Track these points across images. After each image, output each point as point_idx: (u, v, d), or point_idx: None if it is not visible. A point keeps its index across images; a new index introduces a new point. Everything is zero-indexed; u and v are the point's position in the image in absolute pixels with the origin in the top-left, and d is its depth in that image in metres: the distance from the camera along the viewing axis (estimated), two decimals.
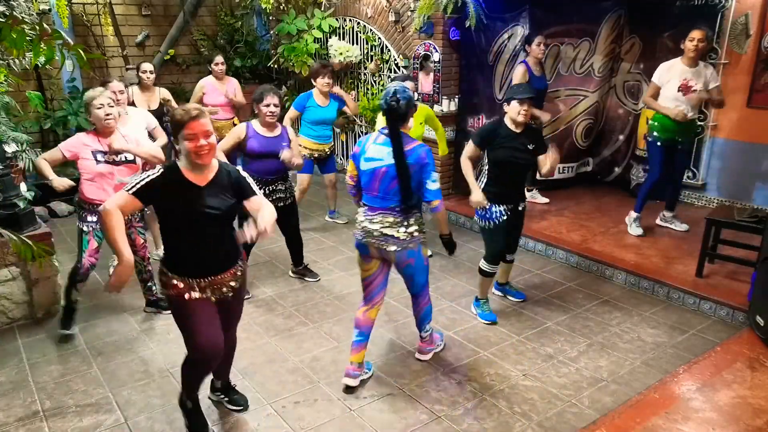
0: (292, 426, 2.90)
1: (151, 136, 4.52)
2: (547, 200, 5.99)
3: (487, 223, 3.77)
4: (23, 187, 4.20)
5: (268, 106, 3.99)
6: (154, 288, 4.04)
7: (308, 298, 4.29)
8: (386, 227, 3.02)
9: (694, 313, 4.04)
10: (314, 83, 5.22)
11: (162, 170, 2.45)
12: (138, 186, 2.40)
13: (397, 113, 2.94)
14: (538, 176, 4.80)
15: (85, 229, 3.66)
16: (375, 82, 6.63)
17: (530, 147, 3.68)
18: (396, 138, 2.93)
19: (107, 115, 3.53)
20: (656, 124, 4.81)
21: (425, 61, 5.85)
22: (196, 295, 2.54)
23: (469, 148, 3.75)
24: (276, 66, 7.27)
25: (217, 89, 6.04)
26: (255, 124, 4.11)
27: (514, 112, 3.60)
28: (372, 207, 3.07)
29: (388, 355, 3.53)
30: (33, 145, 5.44)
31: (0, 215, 3.82)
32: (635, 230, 5.08)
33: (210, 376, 2.94)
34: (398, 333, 3.80)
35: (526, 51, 5.42)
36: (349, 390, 3.16)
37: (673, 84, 4.66)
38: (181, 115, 2.39)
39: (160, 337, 3.76)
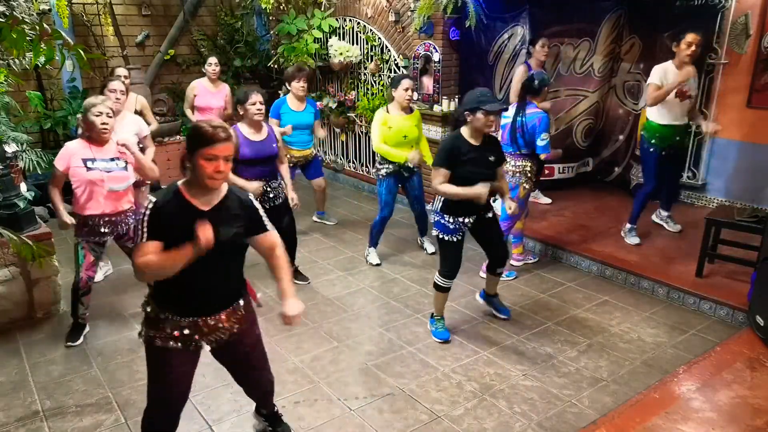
0: (292, 426, 2.90)
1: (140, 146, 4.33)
2: (549, 200, 5.99)
3: (449, 236, 3.49)
4: (23, 187, 4.20)
5: (254, 104, 3.87)
6: None
7: (308, 298, 4.29)
8: (508, 164, 4.20)
9: (694, 313, 4.04)
10: (289, 87, 5.06)
11: (154, 200, 2.15)
12: (145, 231, 2.11)
13: (531, 88, 4.18)
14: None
15: (80, 243, 3.60)
16: (375, 82, 6.63)
17: (491, 159, 3.45)
18: (521, 103, 4.21)
19: (103, 124, 3.42)
20: (653, 133, 4.68)
21: (428, 64, 5.84)
22: (177, 345, 2.23)
23: (438, 174, 3.37)
24: (276, 66, 7.27)
25: (209, 92, 5.84)
26: (242, 128, 3.92)
27: (479, 123, 3.29)
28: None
29: (388, 355, 3.53)
30: (33, 145, 5.44)
31: (0, 215, 3.83)
32: (632, 239, 4.93)
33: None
34: (398, 333, 3.80)
35: (529, 52, 5.43)
36: (512, 267, 4.69)
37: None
38: (210, 133, 2.09)
39: None
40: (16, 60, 4.14)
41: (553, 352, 3.56)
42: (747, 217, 4.17)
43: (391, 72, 6.34)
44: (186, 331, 2.24)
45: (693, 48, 4.47)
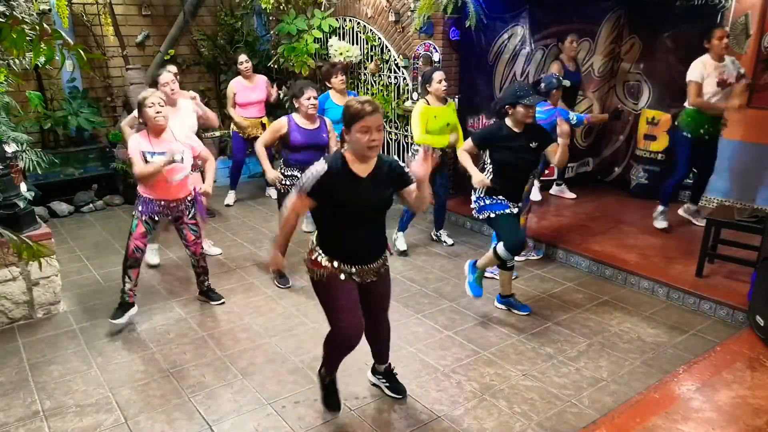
0: (292, 426, 2.90)
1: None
2: (574, 196, 6.10)
3: (500, 211, 3.73)
4: (23, 187, 4.20)
5: (309, 99, 4.21)
6: (206, 281, 4.19)
7: (308, 297, 4.28)
8: None
9: (694, 313, 4.04)
10: (329, 84, 5.32)
11: (328, 166, 2.50)
12: (311, 187, 2.50)
13: (539, 91, 4.42)
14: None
15: (136, 214, 3.78)
16: (375, 82, 6.63)
17: (533, 145, 3.70)
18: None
19: (158, 113, 3.61)
20: (689, 119, 4.83)
21: (428, 65, 5.85)
22: (342, 276, 2.65)
23: (468, 144, 3.84)
24: (276, 66, 7.27)
25: (247, 88, 6.19)
26: (296, 117, 4.28)
27: (520, 115, 3.60)
28: None
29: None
30: (33, 145, 5.43)
31: (0, 215, 3.83)
32: (660, 224, 5.13)
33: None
34: (399, 333, 3.79)
35: (559, 49, 5.66)
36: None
37: (711, 80, 4.72)
38: (358, 109, 2.43)
39: (160, 338, 3.76)
40: (16, 60, 4.13)
41: (553, 352, 3.56)
42: (747, 217, 4.17)
43: (391, 72, 6.35)
44: (349, 274, 2.67)
45: (725, 40, 4.69)
